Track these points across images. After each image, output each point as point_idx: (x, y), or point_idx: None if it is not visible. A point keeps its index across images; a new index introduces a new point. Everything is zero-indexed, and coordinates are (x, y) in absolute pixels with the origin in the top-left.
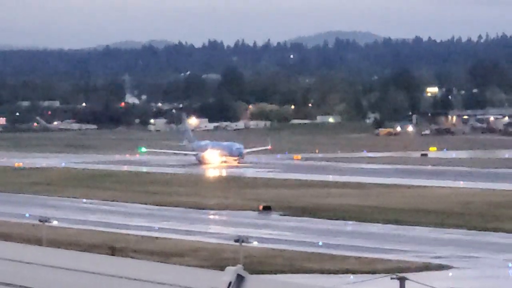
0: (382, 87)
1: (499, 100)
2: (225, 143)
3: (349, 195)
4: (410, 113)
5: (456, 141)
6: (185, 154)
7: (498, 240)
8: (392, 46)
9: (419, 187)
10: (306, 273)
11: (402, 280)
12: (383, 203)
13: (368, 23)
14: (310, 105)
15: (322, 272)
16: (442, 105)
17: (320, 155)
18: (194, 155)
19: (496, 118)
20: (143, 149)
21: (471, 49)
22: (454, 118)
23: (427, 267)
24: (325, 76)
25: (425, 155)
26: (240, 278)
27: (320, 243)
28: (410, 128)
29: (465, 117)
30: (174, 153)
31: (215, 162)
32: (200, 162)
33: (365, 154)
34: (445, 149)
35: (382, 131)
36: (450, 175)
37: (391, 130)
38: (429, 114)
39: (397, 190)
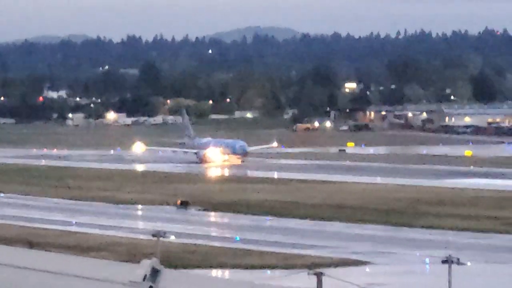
0: (300, 82)
1: (417, 96)
2: (228, 140)
3: (267, 191)
4: (328, 108)
5: (374, 137)
6: (185, 152)
7: (415, 236)
8: (310, 42)
9: (337, 182)
10: (224, 268)
11: (319, 276)
12: (301, 199)
13: (286, 19)
14: (228, 100)
15: (239, 267)
16: (360, 101)
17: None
18: (195, 153)
19: (414, 114)
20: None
21: (389, 45)
22: (372, 114)
23: (344, 263)
24: (243, 72)
25: (343, 150)
26: (155, 271)
27: (237, 238)
28: (328, 124)
29: (383, 113)
30: (173, 151)
31: (217, 161)
32: (201, 160)
33: (283, 149)
34: (362, 145)
35: (300, 126)
36: (368, 171)
37: (309, 125)
38: (347, 110)
39: (315, 186)
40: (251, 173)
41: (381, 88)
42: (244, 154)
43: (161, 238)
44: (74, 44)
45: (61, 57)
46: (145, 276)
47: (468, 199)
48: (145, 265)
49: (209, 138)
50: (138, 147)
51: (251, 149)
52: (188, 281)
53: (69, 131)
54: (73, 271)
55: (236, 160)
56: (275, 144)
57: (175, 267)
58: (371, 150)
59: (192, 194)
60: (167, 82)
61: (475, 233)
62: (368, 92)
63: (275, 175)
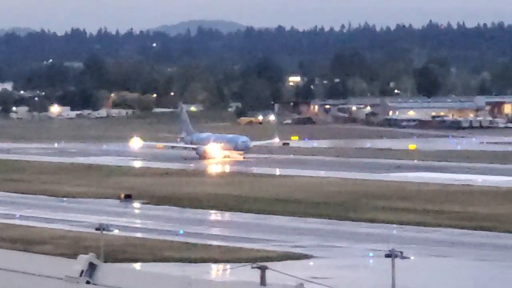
0: (244, 76)
1: (361, 89)
2: (230, 135)
3: (211, 184)
4: (272, 102)
5: (317, 130)
6: (184, 148)
7: (359, 230)
8: (255, 35)
9: (280, 176)
10: (168, 261)
11: (263, 269)
12: (245, 192)
13: (231, 12)
14: (172, 93)
15: (183, 261)
16: (304, 94)
17: (182, 144)
18: (195, 148)
19: (358, 108)
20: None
21: (333, 39)
22: (316, 107)
23: (288, 256)
24: (187, 65)
25: (287, 144)
26: (92, 266)
27: (181, 232)
28: (271, 117)
29: (327, 106)
30: (172, 146)
31: (218, 157)
32: (202, 156)
33: None
34: (306, 138)
35: (244, 120)
36: (312, 164)
37: (252, 119)
38: (291, 103)
39: (259, 179)
40: (197, 167)
41: (325, 81)
42: (247, 150)
43: (104, 232)
44: (18, 37)
45: (5, 50)
46: (82, 271)
47: (412, 193)
48: (82, 260)
49: (209, 133)
50: (136, 142)
51: (253, 144)
52: (125, 275)
53: (12, 124)
54: (11, 266)
55: (238, 156)
56: (277, 139)
57: (119, 260)
58: (315, 143)
59: (137, 188)
60: (111, 75)
61: (419, 227)
62: (312, 86)
63: (220, 168)
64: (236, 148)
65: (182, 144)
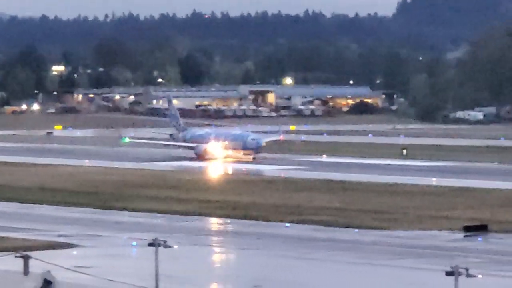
0: (8, 66)
1: (125, 79)
2: (235, 132)
3: None
4: (36, 91)
5: (81, 119)
6: (179, 146)
7: (123, 219)
8: (18, 25)
9: (44, 165)
10: None
11: (26, 258)
12: (8, 182)
13: None
14: None
15: None
16: (68, 84)
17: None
18: (192, 147)
19: (122, 97)
20: (127, 140)
21: (97, 28)
22: (80, 96)
23: (51, 246)
24: None
25: (51, 133)
26: None
27: None
28: (35, 107)
29: (91, 95)
30: (165, 144)
31: (219, 157)
32: (200, 156)
33: None
34: (69, 128)
35: (8, 109)
36: (75, 154)
37: (16, 108)
38: (55, 93)
39: (22, 168)
40: None
41: (89, 71)
42: (258, 149)
43: None
44: None
45: None
46: None
47: (177, 182)
48: None
49: (208, 130)
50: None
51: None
52: None
53: None
54: None
55: (245, 156)
56: (282, 136)
57: None
58: (78, 132)
59: None
60: None
61: (184, 216)
62: (76, 75)
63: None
64: (244, 147)
65: (173, 142)
